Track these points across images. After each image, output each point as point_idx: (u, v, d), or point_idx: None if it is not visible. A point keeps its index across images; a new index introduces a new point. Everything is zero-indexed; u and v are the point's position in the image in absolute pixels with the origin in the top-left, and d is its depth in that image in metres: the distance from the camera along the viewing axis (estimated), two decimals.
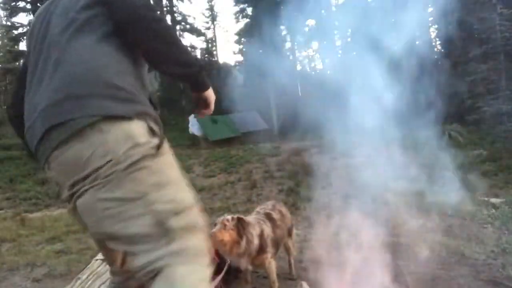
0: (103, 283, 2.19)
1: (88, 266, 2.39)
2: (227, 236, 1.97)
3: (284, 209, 2.52)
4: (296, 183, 5.89)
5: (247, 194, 5.62)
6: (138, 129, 0.96)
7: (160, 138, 1.00)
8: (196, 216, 1.03)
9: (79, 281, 2.26)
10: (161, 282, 0.93)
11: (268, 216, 2.31)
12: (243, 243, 2.00)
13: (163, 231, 0.94)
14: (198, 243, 1.01)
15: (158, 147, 0.98)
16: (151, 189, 0.94)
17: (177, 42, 1.07)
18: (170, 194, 0.98)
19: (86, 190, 0.94)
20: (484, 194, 4.50)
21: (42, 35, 1.09)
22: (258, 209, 2.46)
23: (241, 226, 2.01)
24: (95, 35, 1.01)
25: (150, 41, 1.03)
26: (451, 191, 4.83)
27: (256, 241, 2.07)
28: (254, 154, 9.97)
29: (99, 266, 2.30)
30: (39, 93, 1.01)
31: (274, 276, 2.20)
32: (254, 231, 2.09)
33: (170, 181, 1.00)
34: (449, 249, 2.88)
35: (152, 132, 0.99)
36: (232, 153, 10.58)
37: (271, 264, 2.18)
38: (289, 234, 2.50)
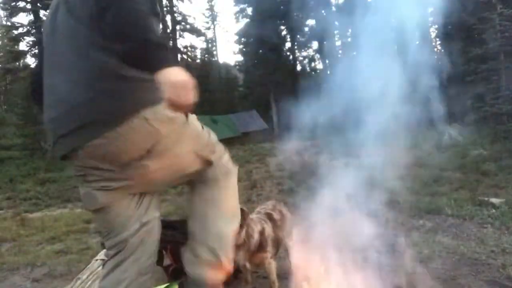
0: None
1: (88, 266, 2.39)
2: None
3: (284, 210, 2.52)
4: (296, 183, 5.89)
5: (247, 194, 5.62)
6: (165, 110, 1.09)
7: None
8: (221, 149, 1.56)
9: (79, 281, 2.26)
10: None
11: (269, 216, 2.31)
12: (243, 233, 1.97)
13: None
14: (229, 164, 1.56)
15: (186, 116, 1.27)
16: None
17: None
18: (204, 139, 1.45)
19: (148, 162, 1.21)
20: (484, 194, 4.50)
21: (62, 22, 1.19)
22: (258, 209, 2.46)
23: (241, 216, 1.99)
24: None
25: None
26: (451, 191, 4.83)
27: (256, 237, 2.06)
28: (254, 154, 9.96)
29: (99, 266, 2.30)
30: (64, 84, 1.16)
31: (274, 276, 2.19)
32: (256, 227, 2.08)
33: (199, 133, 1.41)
34: (449, 249, 2.88)
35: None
36: (232, 153, 10.56)
37: (271, 264, 2.18)
38: (289, 234, 2.50)
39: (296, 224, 2.59)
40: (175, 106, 1.00)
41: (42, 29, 1.32)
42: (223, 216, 1.47)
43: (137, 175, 1.23)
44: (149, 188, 1.36)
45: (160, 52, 1.00)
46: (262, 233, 2.12)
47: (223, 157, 1.53)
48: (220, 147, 1.54)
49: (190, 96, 1.00)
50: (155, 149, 1.19)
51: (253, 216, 2.31)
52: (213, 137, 1.52)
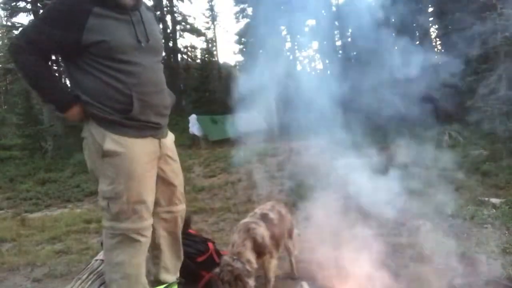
0: (103, 283, 2.18)
1: (88, 266, 2.39)
2: None
3: (284, 210, 2.51)
4: (296, 183, 5.88)
5: (247, 194, 5.62)
6: None
7: None
8: None
9: (79, 281, 2.25)
10: None
11: (264, 217, 2.29)
12: (250, 283, 1.97)
13: None
14: None
15: None
16: None
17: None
18: None
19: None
20: (484, 194, 4.50)
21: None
22: (256, 209, 2.45)
23: (240, 280, 1.95)
24: None
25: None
26: (451, 191, 4.83)
27: (252, 259, 2.04)
28: (254, 154, 9.94)
29: (99, 266, 2.29)
30: (162, 95, 1.83)
31: (270, 274, 2.17)
32: (248, 250, 2.04)
33: None
34: (449, 249, 2.88)
35: None
36: (232, 153, 10.57)
37: (270, 263, 2.16)
38: (289, 234, 2.50)
39: (296, 224, 2.59)
40: None
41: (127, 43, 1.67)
42: None
43: None
44: None
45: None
46: (255, 244, 2.07)
47: None
48: None
49: None
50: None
51: (245, 220, 2.26)
52: None
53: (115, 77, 1.63)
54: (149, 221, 1.76)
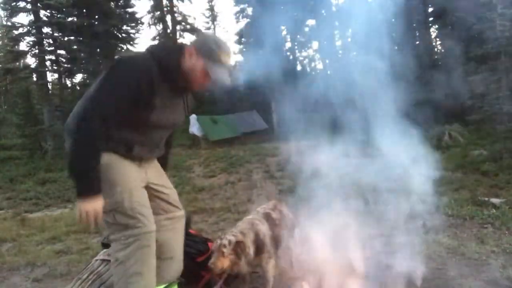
0: (103, 283, 2.19)
1: (88, 266, 2.39)
2: (227, 262, 1.98)
3: (285, 209, 2.52)
4: (296, 183, 5.88)
5: (247, 194, 5.62)
6: None
7: None
8: None
9: (79, 281, 2.26)
10: None
11: (267, 216, 2.30)
12: (243, 261, 2.01)
13: None
14: None
15: None
16: None
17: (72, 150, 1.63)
18: None
19: None
20: (484, 194, 4.50)
21: None
22: (258, 208, 2.46)
23: (240, 249, 2.00)
24: None
25: None
26: (451, 191, 4.83)
27: (252, 249, 2.06)
28: (254, 154, 9.95)
29: (99, 266, 2.30)
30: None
31: (268, 274, 2.17)
32: (249, 239, 2.08)
33: None
34: (449, 249, 2.88)
35: None
36: (232, 153, 10.58)
37: (269, 263, 2.17)
38: (290, 234, 2.50)
39: (297, 223, 2.59)
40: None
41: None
42: None
43: None
44: None
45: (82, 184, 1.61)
46: (256, 239, 2.10)
47: None
48: None
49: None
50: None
51: (249, 217, 2.30)
52: None
53: (129, 133, 1.76)
54: (154, 226, 1.78)
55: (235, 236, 2.03)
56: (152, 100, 1.68)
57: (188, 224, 2.52)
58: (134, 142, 1.77)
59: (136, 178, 1.80)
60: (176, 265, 2.02)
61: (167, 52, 1.77)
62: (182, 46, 1.80)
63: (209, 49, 1.70)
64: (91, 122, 1.56)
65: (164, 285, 1.91)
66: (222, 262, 1.96)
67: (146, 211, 1.76)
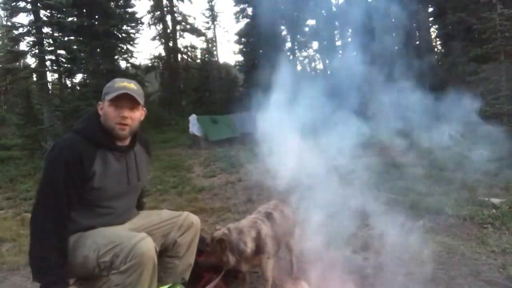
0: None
1: None
2: (213, 258, 2.04)
3: (286, 209, 2.52)
4: (296, 183, 5.87)
5: (247, 194, 5.61)
6: None
7: None
8: None
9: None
10: None
11: (268, 216, 2.31)
12: (230, 258, 2.02)
13: None
14: None
15: None
16: None
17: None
18: None
19: None
20: (484, 194, 4.49)
21: None
22: (260, 208, 2.46)
23: (219, 248, 2.03)
24: None
25: None
26: (451, 191, 4.82)
27: (251, 245, 2.07)
28: (255, 154, 9.93)
29: None
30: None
31: (268, 274, 2.18)
32: (248, 237, 2.09)
33: None
34: (449, 249, 2.88)
35: None
36: (232, 153, 10.57)
37: (268, 263, 2.17)
38: (291, 234, 2.50)
39: (298, 223, 2.59)
40: None
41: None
42: None
43: None
44: None
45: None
46: (257, 237, 2.11)
47: None
48: None
49: None
50: None
51: (251, 216, 2.31)
52: None
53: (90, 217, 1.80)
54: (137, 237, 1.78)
55: (219, 234, 2.07)
56: (90, 168, 1.71)
57: None
58: (96, 224, 1.79)
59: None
60: (183, 265, 2.05)
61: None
62: (96, 108, 1.88)
63: (105, 88, 1.82)
64: (44, 225, 1.62)
65: (167, 286, 1.91)
66: (208, 259, 2.03)
67: (119, 235, 1.75)
